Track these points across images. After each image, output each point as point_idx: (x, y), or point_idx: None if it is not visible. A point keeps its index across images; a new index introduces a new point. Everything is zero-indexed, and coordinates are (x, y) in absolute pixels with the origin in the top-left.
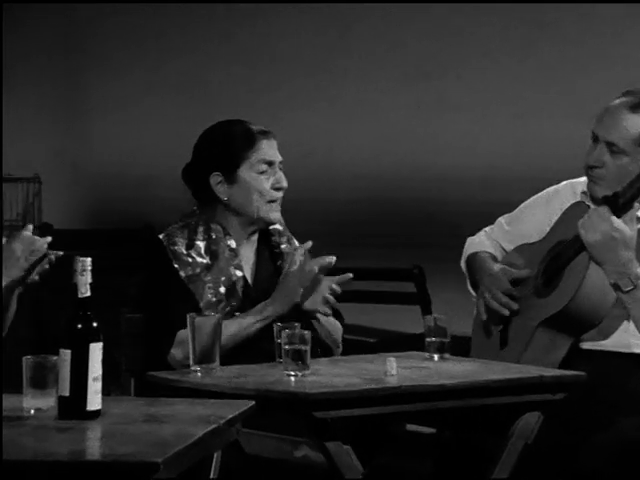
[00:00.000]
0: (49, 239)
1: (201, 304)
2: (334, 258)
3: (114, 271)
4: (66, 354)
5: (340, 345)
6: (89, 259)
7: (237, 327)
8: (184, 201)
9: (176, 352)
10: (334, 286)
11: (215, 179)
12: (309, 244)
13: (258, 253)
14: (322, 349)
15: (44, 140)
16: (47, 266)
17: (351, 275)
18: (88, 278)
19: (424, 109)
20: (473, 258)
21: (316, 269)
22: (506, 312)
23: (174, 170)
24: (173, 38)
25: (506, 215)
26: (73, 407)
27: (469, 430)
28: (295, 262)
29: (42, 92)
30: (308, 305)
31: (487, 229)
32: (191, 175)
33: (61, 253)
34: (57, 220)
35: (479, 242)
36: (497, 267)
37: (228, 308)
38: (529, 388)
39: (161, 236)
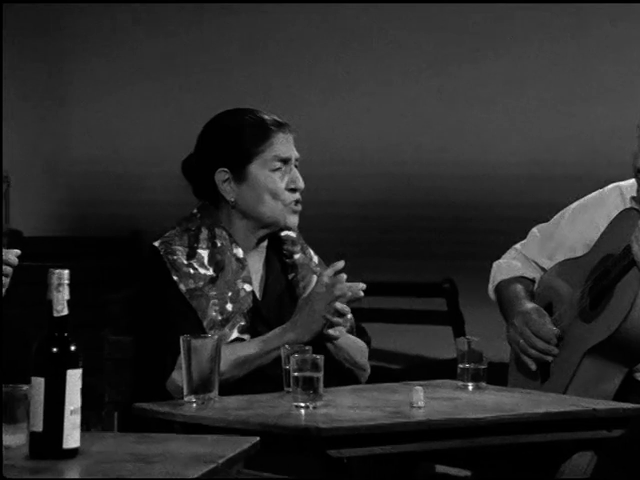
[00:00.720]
0: (18, 252)
1: (205, 323)
2: (342, 262)
3: (96, 285)
4: (39, 383)
5: (367, 367)
6: (66, 271)
7: (252, 354)
8: (182, 204)
9: (178, 376)
10: (338, 306)
11: (221, 176)
12: (341, 264)
13: (267, 264)
14: (343, 376)
15: (14, 134)
16: (10, 268)
17: (363, 285)
18: (65, 294)
19: (452, 99)
20: (502, 289)
21: (349, 294)
22: (548, 358)
23: (166, 169)
24: (164, 17)
25: (540, 226)
26: (47, 445)
27: (508, 472)
28: (322, 283)
29: (12, 77)
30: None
31: (518, 246)
32: (193, 170)
33: (18, 251)
34: (28, 227)
35: (507, 267)
36: (529, 306)
37: (235, 329)
38: (580, 423)
39: (157, 244)
